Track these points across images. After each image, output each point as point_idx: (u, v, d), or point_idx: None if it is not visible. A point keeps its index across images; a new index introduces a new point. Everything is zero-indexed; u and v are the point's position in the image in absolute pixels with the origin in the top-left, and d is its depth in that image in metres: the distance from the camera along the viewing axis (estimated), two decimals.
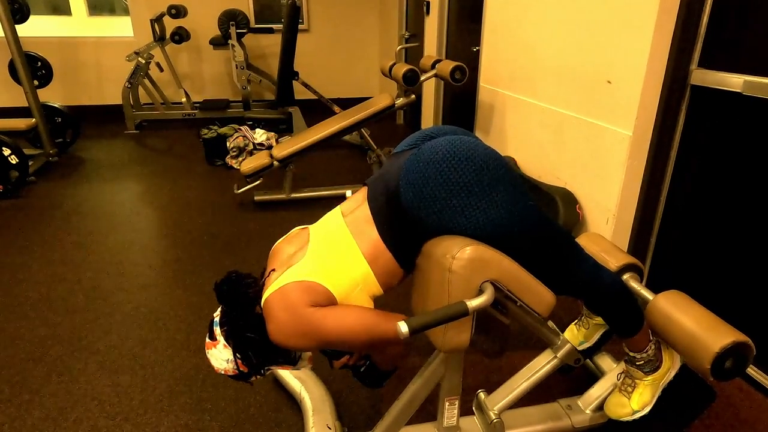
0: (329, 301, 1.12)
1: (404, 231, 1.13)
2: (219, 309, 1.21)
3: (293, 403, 1.67)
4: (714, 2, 1.81)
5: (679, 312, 1.27)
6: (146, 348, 1.96)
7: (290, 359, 1.24)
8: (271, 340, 1.12)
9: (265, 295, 1.14)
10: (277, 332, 1.10)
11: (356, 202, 1.22)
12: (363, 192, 1.22)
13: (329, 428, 1.48)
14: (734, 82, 1.73)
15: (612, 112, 2.19)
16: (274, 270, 1.20)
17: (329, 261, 1.14)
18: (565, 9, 2.45)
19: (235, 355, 1.16)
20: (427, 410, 1.51)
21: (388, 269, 1.15)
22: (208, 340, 1.19)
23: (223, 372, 1.19)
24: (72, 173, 4.10)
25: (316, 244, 1.18)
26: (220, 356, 1.17)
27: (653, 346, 1.35)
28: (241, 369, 1.17)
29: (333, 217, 1.24)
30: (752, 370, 1.77)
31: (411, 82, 3.19)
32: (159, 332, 2.05)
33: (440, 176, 1.05)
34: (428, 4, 4.32)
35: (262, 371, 1.22)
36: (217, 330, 1.17)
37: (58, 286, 2.40)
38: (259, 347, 1.15)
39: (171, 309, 2.21)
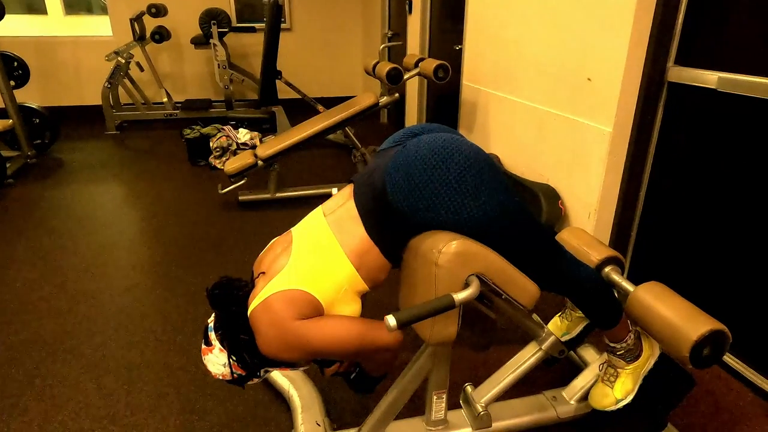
0: (315, 309, 1.12)
1: (391, 226, 1.14)
2: (213, 315, 1.21)
3: (282, 401, 1.67)
4: (689, 1, 1.85)
5: (658, 302, 1.30)
6: (131, 350, 1.94)
7: (286, 362, 1.24)
8: (262, 352, 1.13)
9: (252, 306, 1.14)
10: (266, 347, 1.11)
11: (340, 200, 1.22)
12: (348, 190, 1.23)
13: (318, 425, 1.48)
14: (709, 78, 1.77)
15: (592, 108, 2.23)
16: (263, 273, 1.20)
17: (313, 266, 1.14)
18: (546, 7, 2.49)
19: (229, 359, 1.16)
20: (416, 404, 1.52)
21: (374, 265, 1.16)
22: (203, 346, 1.19)
23: (221, 377, 1.19)
24: (51, 175, 4.03)
25: (298, 248, 1.19)
26: (217, 361, 1.17)
27: (633, 336, 1.38)
28: (237, 372, 1.18)
29: (314, 218, 1.24)
30: (730, 359, 1.82)
31: (394, 81, 3.20)
32: (144, 334, 2.04)
33: (426, 173, 1.07)
34: (410, 2, 4.34)
35: (259, 373, 1.22)
36: (212, 335, 1.18)
37: (40, 288, 2.37)
38: (252, 349, 1.15)
39: (156, 310, 2.19)
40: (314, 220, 1.23)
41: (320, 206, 1.27)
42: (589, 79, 2.23)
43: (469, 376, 1.79)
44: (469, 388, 1.48)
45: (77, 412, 1.64)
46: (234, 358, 1.16)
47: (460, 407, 1.50)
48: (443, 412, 1.43)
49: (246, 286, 1.21)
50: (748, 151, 1.70)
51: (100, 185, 3.80)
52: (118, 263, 2.61)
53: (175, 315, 2.16)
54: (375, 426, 1.38)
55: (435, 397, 1.41)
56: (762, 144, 1.65)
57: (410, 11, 4.39)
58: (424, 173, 1.07)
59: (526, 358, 1.46)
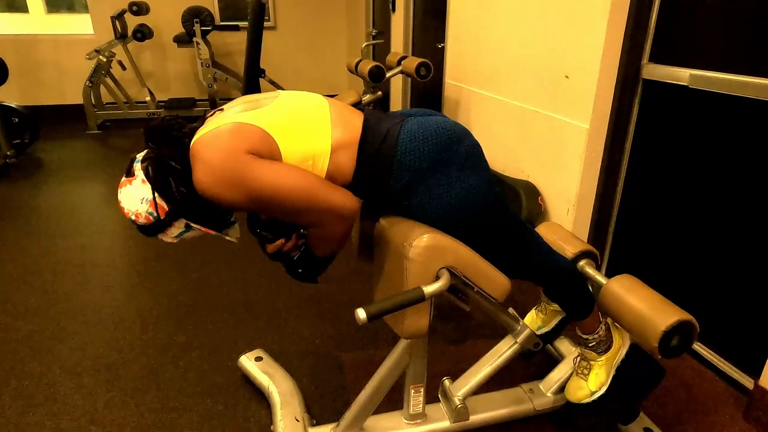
0: (272, 156, 1.00)
1: (381, 162, 1.10)
2: (144, 151, 1.08)
3: (262, 397, 1.68)
4: (662, 0, 1.89)
5: (629, 294, 1.33)
6: (110, 349, 1.93)
7: (216, 220, 1.11)
8: (195, 185, 0.99)
9: (198, 135, 1.01)
10: (203, 175, 0.97)
11: (347, 107, 1.16)
12: (358, 111, 1.18)
13: (297, 420, 1.49)
14: (682, 75, 1.81)
15: (570, 106, 2.26)
16: (221, 110, 1.09)
17: (293, 121, 1.05)
18: (525, 6, 2.52)
19: (153, 193, 1.01)
20: (394, 399, 1.54)
21: (342, 165, 1.09)
22: (123, 178, 1.05)
23: (134, 217, 1.04)
24: (31, 175, 3.98)
25: (284, 102, 1.09)
26: (135, 194, 1.02)
27: (603, 327, 1.41)
28: (156, 213, 1.03)
29: (315, 95, 1.17)
30: (702, 349, 1.86)
31: (377, 79, 3.22)
32: (124, 333, 2.02)
33: (442, 141, 1.11)
34: (394, 1, 4.35)
35: (177, 225, 1.07)
36: (137, 165, 1.03)
37: (18, 288, 2.34)
38: (179, 182, 1.01)
39: (136, 310, 2.18)
40: (315, 96, 1.16)
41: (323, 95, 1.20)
42: (566, 77, 2.26)
43: (448, 370, 1.81)
44: (447, 382, 1.49)
45: (55, 413, 1.63)
46: (157, 189, 1.01)
47: (439, 401, 1.52)
48: (421, 405, 1.45)
49: (189, 128, 1.09)
50: (719, 146, 1.74)
51: (81, 185, 3.76)
52: (97, 263, 2.59)
53: (155, 313, 2.15)
54: (353, 421, 1.39)
55: (413, 391, 1.42)
56: (732, 139, 1.69)
57: (393, 9, 4.40)
58: (442, 139, 1.11)
59: (503, 351, 1.48)
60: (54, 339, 1.99)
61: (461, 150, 1.12)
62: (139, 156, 1.06)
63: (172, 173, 1.02)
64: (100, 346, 1.95)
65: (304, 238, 1.18)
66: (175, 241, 1.12)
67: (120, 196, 1.04)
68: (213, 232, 1.12)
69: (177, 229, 1.08)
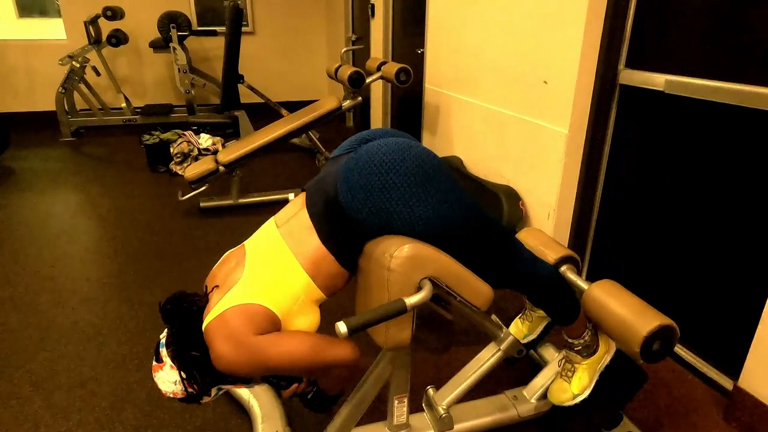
0: (272, 322, 1.11)
1: (345, 233, 1.13)
2: (165, 331, 1.18)
3: (242, 411, 1.64)
4: (637, 7, 1.91)
5: (611, 300, 1.33)
6: (84, 365, 1.87)
7: (241, 379, 1.21)
8: (217, 367, 1.10)
9: (206, 320, 1.12)
10: (220, 363, 1.08)
11: (293, 210, 1.21)
12: (300, 199, 1.22)
13: None
14: (657, 81, 1.83)
15: (549, 111, 2.27)
16: (217, 287, 1.18)
17: (268, 278, 1.13)
18: (504, 12, 2.53)
19: (181, 376, 1.13)
20: (379, 410, 1.52)
21: (331, 273, 1.15)
22: (154, 363, 1.16)
23: (172, 395, 1.15)
24: (1, 184, 3.86)
25: (252, 261, 1.17)
26: (168, 378, 1.14)
27: (590, 332, 1.41)
28: (189, 390, 1.15)
29: (267, 230, 1.23)
30: (684, 352, 1.88)
31: (356, 84, 3.20)
32: (99, 348, 1.96)
33: (378, 177, 1.07)
34: (373, 6, 4.35)
35: (212, 391, 1.19)
36: (163, 351, 1.14)
37: None
38: (204, 366, 1.12)
39: (112, 323, 2.12)
40: (267, 232, 1.22)
41: (273, 217, 1.26)
42: (545, 82, 2.28)
43: (433, 378, 1.79)
44: (431, 391, 1.48)
45: None
46: (185, 376, 1.13)
47: (423, 410, 1.51)
48: (405, 416, 1.43)
49: (200, 301, 1.19)
50: (695, 150, 1.77)
51: (54, 194, 3.66)
52: (71, 275, 2.51)
53: (132, 328, 2.09)
54: None
55: (396, 402, 1.40)
56: (706, 144, 1.72)
57: (373, 15, 4.40)
58: (376, 177, 1.07)
59: (486, 359, 1.46)
60: (25, 355, 1.92)
61: (406, 174, 1.07)
62: (162, 339, 1.16)
63: (195, 363, 1.12)
64: (74, 361, 1.89)
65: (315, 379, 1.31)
66: (215, 399, 1.27)
67: (156, 380, 1.15)
68: (245, 387, 1.25)
69: (213, 393, 1.20)
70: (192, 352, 1.12)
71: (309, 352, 1.11)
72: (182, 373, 1.12)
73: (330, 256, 1.14)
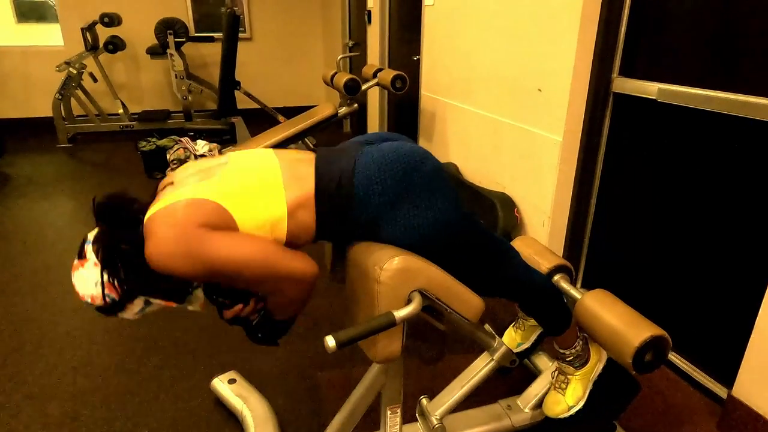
0: (228, 228, 0.99)
1: (340, 209, 1.09)
2: (95, 231, 1.07)
3: (236, 421, 1.63)
4: (630, 16, 1.92)
5: (603, 310, 1.33)
6: (78, 374, 1.86)
7: (175, 291, 1.09)
8: (148, 262, 0.97)
9: (150, 211, 1.00)
10: (155, 250, 0.95)
11: (297, 155, 1.15)
12: (308, 154, 1.17)
13: None
14: (650, 89, 1.84)
15: (543, 118, 2.28)
16: (171, 184, 1.07)
17: (245, 189, 1.03)
18: (499, 20, 2.54)
19: (102, 275, 0.99)
20: (371, 419, 1.51)
21: (303, 224, 1.08)
22: (75, 261, 1.03)
23: (89, 300, 1.02)
24: None
25: (234, 169, 1.07)
26: (88, 277, 1.00)
27: (581, 342, 1.41)
28: (110, 294, 1.01)
29: (263, 152, 1.15)
30: (678, 360, 1.88)
31: (352, 92, 3.21)
32: (92, 357, 1.95)
33: (398, 171, 1.08)
34: (369, 13, 4.37)
35: (135, 302, 1.06)
36: (88, 247, 1.02)
37: None
38: (133, 263, 1.00)
39: (106, 332, 2.11)
40: (263, 154, 1.14)
41: (271, 149, 1.18)
42: (539, 90, 2.28)
43: (426, 388, 1.79)
44: (424, 401, 1.47)
45: None
46: (109, 275, 0.99)
47: (417, 420, 1.50)
48: (398, 426, 1.42)
49: (141, 204, 1.07)
50: (687, 159, 1.77)
51: (50, 201, 3.65)
52: (65, 284, 2.50)
53: (125, 335, 2.09)
54: None
55: (389, 412, 1.39)
56: (698, 152, 1.72)
57: (369, 22, 4.41)
58: (398, 170, 1.08)
59: (479, 368, 1.46)
60: (18, 365, 1.91)
61: (422, 176, 1.10)
62: (90, 236, 1.04)
63: (120, 256, 1.01)
64: (67, 371, 1.88)
65: (263, 301, 1.15)
66: (138, 317, 1.10)
67: (74, 280, 1.02)
68: (174, 305, 1.11)
69: (136, 306, 1.07)
70: (121, 245, 1.00)
71: (261, 257, 0.99)
72: (105, 270, 0.99)
73: (314, 209, 1.07)
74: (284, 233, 1.06)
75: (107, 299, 1.02)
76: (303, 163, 1.11)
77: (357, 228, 1.12)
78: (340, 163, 1.10)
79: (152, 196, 1.09)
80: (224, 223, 0.99)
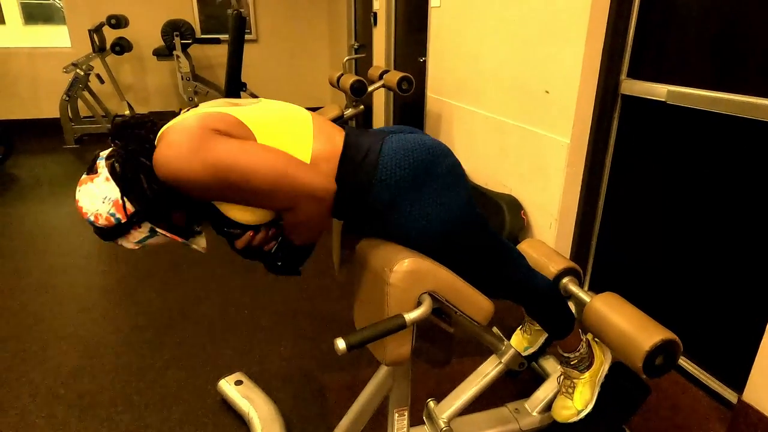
0: (248, 139, 0.97)
1: (361, 179, 1.07)
2: (110, 149, 1.02)
3: (242, 423, 1.63)
4: (638, 17, 1.91)
5: (613, 313, 1.32)
6: (84, 375, 1.86)
7: (183, 221, 1.05)
8: (155, 168, 0.93)
9: (168, 124, 0.97)
10: (163, 152, 0.90)
11: (329, 122, 1.14)
12: (339, 128, 1.16)
13: None
14: (659, 91, 1.83)
15: (550, 120, 2.27)
16: (196, 106, 1.04)
17: (274, 122, 1.01)
18: (506, 22, 2.54)
19: (121, 190, 0.93)
20: (378, 422, 1.50)
21: (325, 172, 1.06)
22: (85, 175, 0.97)
23: (93, 218, 0.96)
24: (5, 191, 3.87)
25: (266, 107, 1.06)
26: (97, 192, 0.94)
27: (584, 345, 1.41)
28: (116, 214, 0.95)
29: (298, 107, 1.14)
30: (687, 364, 1.87)
31: (358, 93, 3.21)
32: (99, 357, 1.96)
33: (423, 159, 1.09)
34: (375, 15, 4.37)
35: (141, 227, 0.99)
36: (101, 162, 0.96)
37: None
38: (154, 177, 0.95)
39: (112, 332, 2.12)
40: (297, 107, 1.13)
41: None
42: (547, 92, 2.27)
43: (433, 390, 1.78)
44: (431, 404, 1.47)
45: None
46: (124, 187, 0.94)
47: (424, 423, 1.49)
48: (405, 429, 1.42)
49: (158, 124, 1.04)
50: (696, 160, 1.76)
51: (57, 201, 3.67)
52: (72, 284, 2.51)
53: (132, 336, 2.09)
54: None
55: (396, 415, 1.39)
56: (708, 154, 1.71)
57: (375, 23, 4.41)
58: (423, 157, 1.09)
59: (487, 371, 1.46)
60: (25, 365, 1.91)
61: (442, 168, 1.11)
62: (104, 153, 0.98)
63: (142, 170, 0.95)
64: (75, 371, 1.88)
65: (278, 228, 1.11)
66: (136, 247, 1.03)
67: (78, 195, 0.95)
68: (179, 239, 1.05)
69: (140, 233, 1.00)
70: (141, 159, 0.95)
71: (275, 165, 0.94)
72: (121, 183, 0.93)
73: (335, 169, 1.05)
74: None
75: (112, 218, 0.95)
76: (334, 128, 1.12)
77: (369, 211, 1.10)
78: (368, 141, 1.10)
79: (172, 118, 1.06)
80: (243, 136, 0.96)
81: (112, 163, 0.95)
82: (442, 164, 1.11)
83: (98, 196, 0.94)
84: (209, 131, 0.91)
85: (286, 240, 1.10)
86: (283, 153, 0.98)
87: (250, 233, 1.05)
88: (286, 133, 1.01)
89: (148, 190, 0.95)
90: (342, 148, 1.07)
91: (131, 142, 0.98)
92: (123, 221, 0.95)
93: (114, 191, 0.94)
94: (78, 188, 0.96)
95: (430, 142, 1.14)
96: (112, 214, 0.94)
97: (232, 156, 0.91)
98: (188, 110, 1.06)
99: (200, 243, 1.11)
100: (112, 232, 0.97)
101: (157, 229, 1.01)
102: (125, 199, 0.94)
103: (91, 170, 0.96)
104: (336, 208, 1.10)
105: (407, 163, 1.08)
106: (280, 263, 1.13)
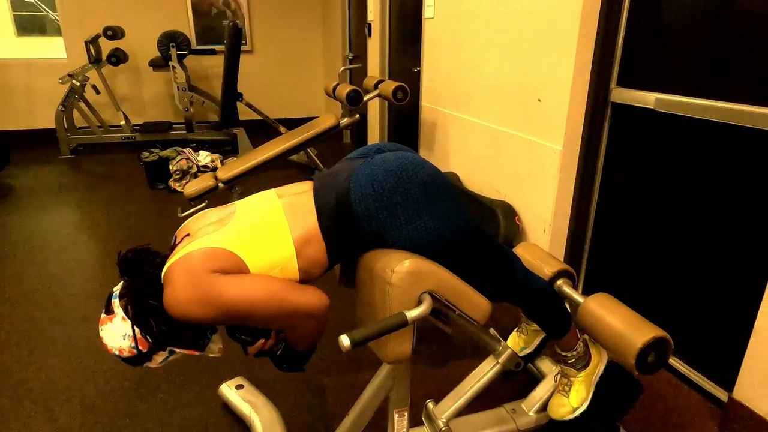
0: (240, 272, 1.06)
1: (344, 229, 1.14)
2: (120, 284, 1.13)
3: (243, 427, 1.65)
4: (627, 27, 1.98)
5: (606, 313, 1.36)
6: (86, 381, 1.88)
7: (195, 339, 1.15)
8: (167, 309, 1.03)
9: (169, 263, 1.07)
10: (173, 298, 1.01)
11: (297, 189, 1.21)
12: (306, 184, 1.23)
13: None
14: (648, 99, 1.89)
15: (543, 128, 2.32)
16: (188, 236, 1.13)
17: (253, 235, 1.09)
18: (499, 33, 2.60)
19: (133, 329, 1.06)
20: (378, 423, 1.53)
21: (314, 258, 1.13)
22: (103, 315, 1.09)
23: (117, 353, 1.08)
24: (1, 201, 3.87)
25: (242, 217, 1.13)
26: (117, 332, 1.06)
27: (581, 344, 1.44)
28: (139, 347, 1.07)
29: (265, 196, 1.20)
30: (680, 365, 1.91)
31: (354, 103, 3.25)
32: (99, 365, 1.97)
33: (392, 183, 1.11)
34: (369, 26, 4.44)
35: (163, 350, 1.12)
36: (116, 302, 1.08)
37: None
38: (162, 315, 1.06)
39: None
40: (265, 197, 1.19)
41: (272, 189, 1.24)
42: (539, 100, 2.33)
43: (432, 392, 1.81)
44: (430, 405, 1.50)
45: None
46: (139, 329, 1.05)
47: (423, 424, 1.52)
48: (405, 429, 1.44)
49: (162, 256, 1.14)
50: (684, 167, 1.81)
51: (53, 211, 3.68)
52: (71, 292, 2.52)
53: None
54: None
55: (396, 416, 1.41)
56: (696, 160, 1.77)
57: (369, 34, 4.48)
58: (391, 182, 1.11)
59: (485, 372, 1.49)
60: (26, 373, 1.92)
61: (417, 185, 1.12)
62: (116, 290, 1.10)
63: (151, 312, 1.07)
64: (75, 379, 1.89)
65: (283, 333, 1.23)
66: (161, 365, 1.16)
67: (102, 333, 1.08)
68: (196, 353, 1.17)
69: (161, 356, 1.13)
70: (150, 301, 1.06)
71: (271, 296, 1.04)
72: (136, 325, 1.06)
73: (321, 241, 1.13)
74: (296, 271, 1.12)
75: (134, 350, 1.08)
76: (303, 197, 1.18)
77: (366, 243, 1.16)
78: (337, 186, 1.15)
79: (171, 248, 1.17)
80: (236, 268, 1.05)
81: (125, 304, 1.07)
82: (414, 180, 1.12)
83: (118, 334, 1.07)
84: (209, 275, 1.02)
85: (288, 346, 1.24)
86: (277, 280, 1.08)
87: (261, 341, 1.19)
88: (267, 241, 1.09)
89: (158, 333, 1.08)
90: (317, 215, 1.13)
91: (139, 282, 1.09)
92: (144, 351, 1.09)
93: (130, 329, 1.07)
94: (100, 327, 1.09)
95: (394, 165, 1.14)
96: (134, 347, 1.08)
97: (231, 295, 1.02)
98: (182, 240, 1.14)
99: (214, 349, 1.22)
100: (137, 360, 1.10)
101: (176, 350, 1.14)
102: (139, 335, 1.07)
103: (108, 310, 1.08)
104: (336, 259, 1.17)
105: (379, 192, 1.11)
106: (285, 365, 1.28)
